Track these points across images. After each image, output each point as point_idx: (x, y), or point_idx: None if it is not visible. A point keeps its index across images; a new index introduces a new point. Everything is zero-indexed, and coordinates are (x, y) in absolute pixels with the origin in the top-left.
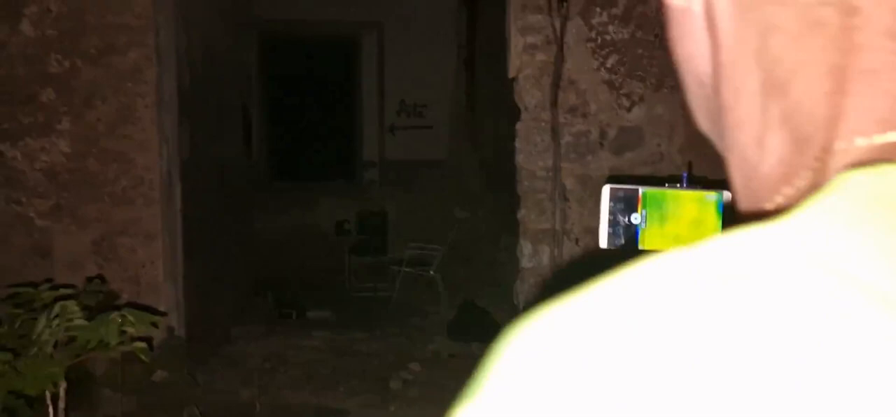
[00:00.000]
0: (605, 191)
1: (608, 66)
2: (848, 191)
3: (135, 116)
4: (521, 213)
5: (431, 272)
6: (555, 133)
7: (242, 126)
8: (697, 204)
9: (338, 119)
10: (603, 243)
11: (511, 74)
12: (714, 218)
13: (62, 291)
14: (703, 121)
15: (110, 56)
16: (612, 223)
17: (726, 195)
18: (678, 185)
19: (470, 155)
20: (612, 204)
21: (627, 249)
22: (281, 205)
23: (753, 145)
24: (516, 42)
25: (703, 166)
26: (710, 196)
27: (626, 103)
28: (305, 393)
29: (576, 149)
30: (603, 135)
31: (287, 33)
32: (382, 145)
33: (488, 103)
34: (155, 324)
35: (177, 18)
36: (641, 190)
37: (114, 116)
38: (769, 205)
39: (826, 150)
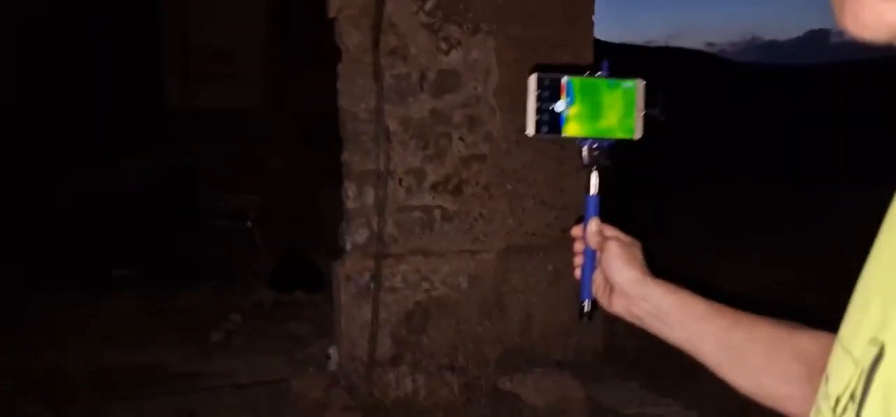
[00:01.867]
0: (532, 79)
1: (427, 9)
2: None
3: None
4: (345, 156)
5: (249, 224)
6: (377, 75)
7: (28, 77)
8: (616, 92)
9: (137, 67)
10: (530, 131)
11: (331, 14)
12: (631, 105)
13: None
14: None
15: None
16: (539, 111)
17: (641, 83)
18: (599, 74)
19: (284, 102)
20: (538, 91)
21: (552, 135)
22: (78, 162)
23: None
24: None
25: (513, 106)
26: (628, 84)
27: (444, 47)
28: (117, 352)
29: (397, 92)
30: (423, 77)
31: None
32: (188, 95)
33: (303, 48)
34: None
35: None
36: (565, 78)
37: None
38: None
39: None
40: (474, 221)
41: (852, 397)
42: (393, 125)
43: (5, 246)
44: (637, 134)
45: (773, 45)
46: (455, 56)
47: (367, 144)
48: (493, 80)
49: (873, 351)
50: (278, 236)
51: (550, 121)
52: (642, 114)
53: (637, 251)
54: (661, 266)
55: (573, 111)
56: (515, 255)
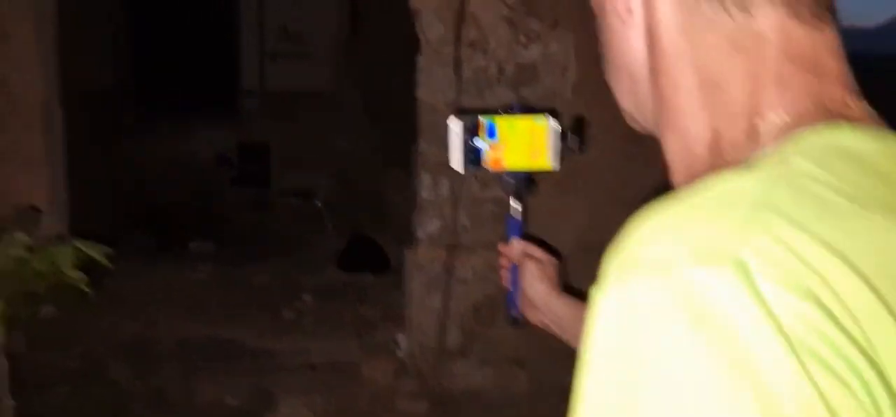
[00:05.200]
0: (453, 122)
1: (508, 3)
2: (799, 141)
3: (9, 35)
4: (422, 146)
5: (318, 203)
6: (457, 67)
7: (112, 48)
8: (529, 126)
9: (214, 44)
10: (457, 167)
11: (413, 5)
12: (544, 139)
13: None
14: (629, 105)
15: None
16: (462, 148)
17: (551, 119)
18: (512, 111)
19: (352, 85)
20: (459, 131)
21: (475, 168)
22: (155, 133)
23: (693, 124)
24: None
25: (591, 102)
26: (540, 119)
27: (523, 40)
28: (197, 326)
29: (475, 84)
30: (501, 70)
31: None
32: (263, 73)
33: (372, 34)
34: (109, 256)
35: None
36: (481, 118)
37: None
38: (707, 168)
39: (752, 126)
40: (546, 216)
41: None
42: None
43: (91, 214)
44: (554, 165)
45: (852, 32)
46: (534, 50)
47: (443, 135)
48: (571, 75)
49: None
50: (346, 217)
51: (474, 158)
52: (557, 146)
53: (551, 268)
54: None
55: (492, 147)
56: (586, 252)
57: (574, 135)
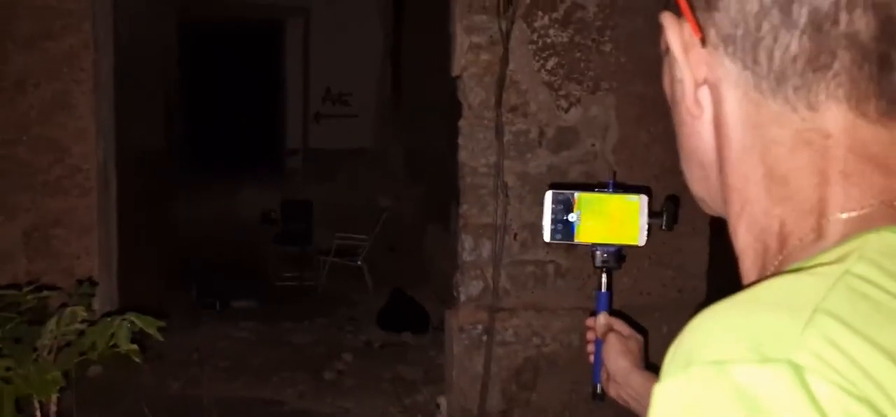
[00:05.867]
0: (548, 195)
1: (548, 67)
2: (861, 243)
3: (70, 104)
4: (463, 208)
5: (358, 262)
6: (499, 131)
7: (164, 112)
8: (621, 205)
9: (261, 106)
10: (546, 237)
11: (455, 73)
12: (635, 217)
13: (46, 293)
14: (701, 192)
15: (44, 41)
16: (554, 221)
17: (644, 198)
18: (606, 190)
19: (394, 144)
20: (553, 205)
21: (565, 241)
22: (201, 193)
23: (762, 216)
24: (461, 41)
25: (631, 163)
26: (632, 198)
27: (564, 104)
28: (238, 385)
29: (516, 147)
30: (542, 133)
31: (208, 16)
32: (307, 133)
33: (413, 93)
34: (162, 328)
35: (114, 4)
36: (576, 193)
37: (48, 103)
38: (775, 261)
39: (820, 221)
40: (587, 278)
41: None
42: (510, 180)
43: (138, 273)
44: (641, 241)
45: None
46: (574, 113)
47: (484, 198)
48: (612, 137)
49: None
50: (386, 275)
51: (564, 230)
52: (646, 223)
53: (634, 344)
54: None
55: (584, 221)
56: (631, 313)
57: (666, 214)
